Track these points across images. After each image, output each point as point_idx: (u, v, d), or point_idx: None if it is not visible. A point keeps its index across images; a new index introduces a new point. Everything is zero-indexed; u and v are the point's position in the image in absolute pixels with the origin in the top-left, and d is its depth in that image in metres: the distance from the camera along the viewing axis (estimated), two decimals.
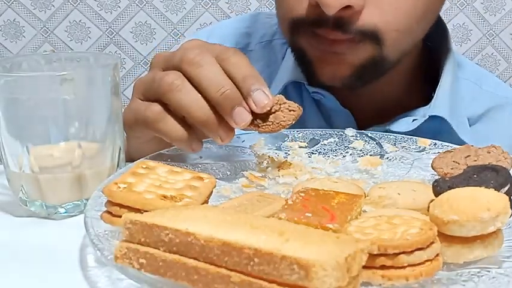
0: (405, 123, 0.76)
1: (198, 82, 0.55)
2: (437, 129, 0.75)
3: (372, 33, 0.66)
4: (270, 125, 0.56)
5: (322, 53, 0.69)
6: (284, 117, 0.57)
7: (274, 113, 0.57)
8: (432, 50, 0.83)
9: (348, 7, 0.63)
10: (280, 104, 0.57)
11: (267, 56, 0.88)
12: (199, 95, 0.55)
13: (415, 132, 0.72)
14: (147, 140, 0.63)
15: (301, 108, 0.58)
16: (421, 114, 0.77)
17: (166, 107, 0.57)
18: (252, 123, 0.56)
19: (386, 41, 0.67)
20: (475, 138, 0.77)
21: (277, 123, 0.56)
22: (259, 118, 0.57)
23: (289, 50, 0.84)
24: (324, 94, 0.78)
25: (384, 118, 0.78)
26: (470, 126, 0.81)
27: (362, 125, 0.78)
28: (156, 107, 0.57)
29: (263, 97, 0.55)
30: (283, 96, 0.58)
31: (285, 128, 0.57)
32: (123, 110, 0.61)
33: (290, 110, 0.57)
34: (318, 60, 0.70)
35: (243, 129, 0.58)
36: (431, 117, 0.76)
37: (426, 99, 0.79)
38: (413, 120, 0.76)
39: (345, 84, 0.71)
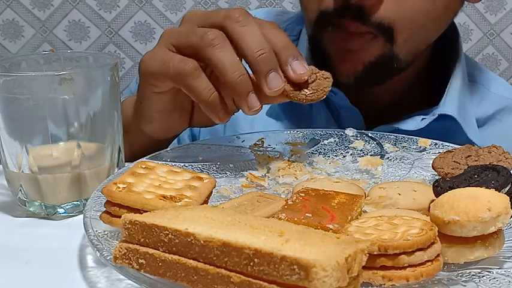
0: (414, 122, 0.76)
1: (239, 39, 0.56)
2: (446, 128, 0.76)
3: (388, 28, 0.68)
4: (315, 93, 0.58)
5: (339, 51, 0.71)
6: (324, 84, 0.58)
7: (312, 82, 0.58)
8: (443, 51, 0.83)
9: None
10: (315, 74, 0.59)
11: None
12: (238, 58, 0.56)
13: (424, 132, 0.72)
14: (163, 91, 0.62)
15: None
16: (430, 113, 0.77)
17: (201, 67, 0.57)
18: (295, 95, 0.57)
19: (398, 38, 0.69)
20: (482, 139, 0.77)
21: (321, 90, 0.58)
22: (299, 89, 0.58)
23: (299, 45, 0.84)
24: (334, 91, 0.78)
25: (393, 117, 0.78)
26: (478, 127, 0.81)
27: (370, 123, 0.78)
28: (193, 63, 0.57)
29: (301, 66, 0.57)
30: (314, 67, 0.59)
31: (326, 94, 0.59)
32: (122, 109, 0.61)
33: (325, 78, 0.59)
34: (335, 57, 0.72)
35: (288, 98, 0.58)
36: (441, 116, 0.76)
37: (435, 100, 0.79)
38: (423, 118, 0.76)
39: (357, 79, 0.72)
